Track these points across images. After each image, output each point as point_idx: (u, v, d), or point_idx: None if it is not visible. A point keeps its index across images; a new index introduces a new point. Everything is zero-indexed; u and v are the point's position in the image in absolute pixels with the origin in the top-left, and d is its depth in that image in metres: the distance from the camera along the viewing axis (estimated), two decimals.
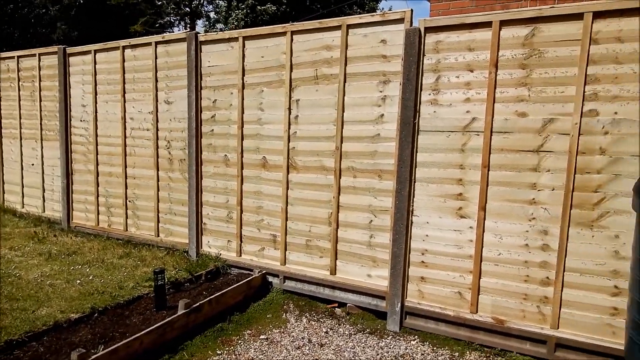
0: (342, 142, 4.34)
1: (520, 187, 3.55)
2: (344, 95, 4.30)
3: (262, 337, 3.94)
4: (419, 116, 3.91)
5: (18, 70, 7.34)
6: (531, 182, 3.51)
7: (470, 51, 3.69)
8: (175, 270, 5.02)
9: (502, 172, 3.61)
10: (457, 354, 3.66)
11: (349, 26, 4.24)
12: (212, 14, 18.75)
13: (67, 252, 5.70)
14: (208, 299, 4.13)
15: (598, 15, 3.23)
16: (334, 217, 4.42)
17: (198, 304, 4.00)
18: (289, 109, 4.63)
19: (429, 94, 3.87)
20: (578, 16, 3.30)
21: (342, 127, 4.32)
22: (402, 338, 3.92)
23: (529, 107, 3.50)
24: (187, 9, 20.83)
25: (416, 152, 3.94)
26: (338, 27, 4.29)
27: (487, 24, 3.61)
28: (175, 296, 4.41)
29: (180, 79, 5.45)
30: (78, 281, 4.73)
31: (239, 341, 3.86)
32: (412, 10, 3.95)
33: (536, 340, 3.53)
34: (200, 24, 23.00)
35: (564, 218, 3.40)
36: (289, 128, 4.65)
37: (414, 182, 3.96)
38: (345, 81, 4.29)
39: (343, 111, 4.31)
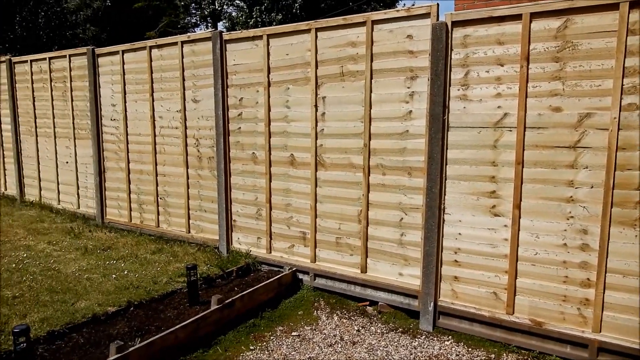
0: (370, 139, 4.31)
1: (557, 184, 3.46)
2: (370, 91, 4.26)
3: (294, 333, 3.99)
4: (448, 112, 3.85)
5: (50, 72, 7.54)
6: (568, 179, 3.42)
7: (500, 45, 3.59)
8: (206, 266, 5.11)
9: (537, 169, 3.52)
10: (493, 355, 3.62)
11: (374, 22, 4.18)
12: (234, 14, 18.87)
13: (102, 247, 5.88)
14: (240, 295, 4.20)
15: (634, 4, 3.10)
16: (363, 215, 4.42)
17: (230, 299, 4.07)
18: (316, 106, 4.62)
19: (458, 90, 3.80)
20: (613, 6, 3.17)
21: (370, 124, 4.29)
22: (435, 338, 3.91)
23: (564, 102, 3.39)
24: (209, 9, 20.96)
25: (446, 148, 3.88)
26: (363, 24, 4.24)
27: (516, 17, 3.51)
28: (207, 292, 4.50)
29: (207, 77, 5.50)
30: (114, 275, 4.87)
31: (271, 337, 3.92)
32: (438, 5, 3.89)
33: (577, 344, 3.45)
34: (220, 25, 23.08)
35: (604, 217, 3.30)
36: (316, 125, 4.64)
37: (445, 179, 3.91)
38: (371, 78, 4.25)
39: (370, 108, 4.28)
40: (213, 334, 3.84)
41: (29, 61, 7.93)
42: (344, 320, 4.22)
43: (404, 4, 22.40)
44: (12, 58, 8.39)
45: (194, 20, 24.76)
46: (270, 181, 5.09)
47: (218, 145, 5.44)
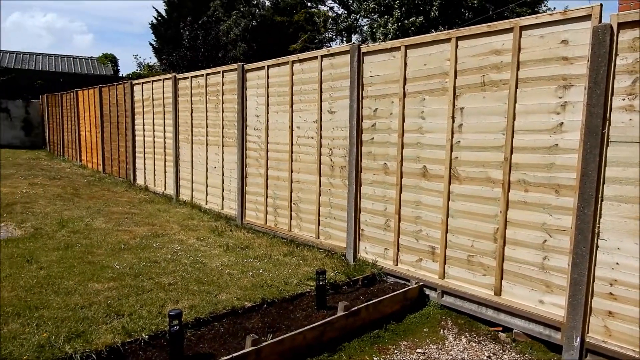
0: (512, 153, 4.02)
1: None
2: (515, 102, 3.98)
3: (418, 350, 3.88)
4: (609, 125, 3.42)
5: (206, 86, 8.50)
6: None
7: None
8: (333, 273, 5.24)
9: None
10: None
11: (522, 28, 3.91)
12: (365, 27, 19.39)
13: (241, 246, 6.40)
14: (366, 304, 4.21)
15: None
16: (500, 233, 4.13)
17: (356, 307, 4.10)
18: (453, 117, 4.47)
19: (623, 99, 3.35)
20: None
21: (513, 137, 4.01)
22: None
23: None
24: (345, 23, 21.82)
25: (604, 165, 3.44)
26: (509, 30, 3.99)
27: None
28: (334, 297, 4.61)
29: (343, 89, 5.68)
30: (250, 273, 5.25)
31: (395, 351, 3.86)
32: (601, 5, 3.49)
33: None
34: (354, 39, 23.85)
35: None
36: (452, 137, 4.48)
37: (601, 200, 3.47)
38: (516, 87, 3.97)
39: (514, 119, 4.00)
40: (338, 339, 3.91)
41: (189, 77, 9.05)
42: (473, 344, 3.97)
43: (554, 7, 20.66)
44: (176, 75, 9.65)
45: (329, 35, 25.91)
46: (400, 192, 5.04)
47: (350, 155, 5.57)
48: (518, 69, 3.95)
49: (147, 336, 3.62)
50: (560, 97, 3.71)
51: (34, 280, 4.72)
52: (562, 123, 3.70)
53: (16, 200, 9.00)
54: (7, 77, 22.91)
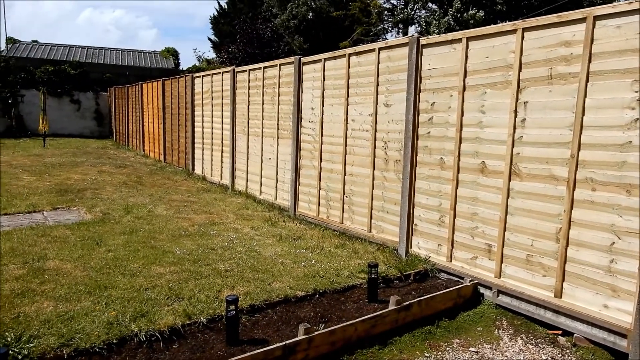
0: (579, 150, 3.83)
1: None
2: (585, 96, 3.78)
3: (471, 349, 3.80)
4: None
5: (263, 79, 8.67)
6: None
7: None
8: (385, 267, 5.22)
9: None
10: None
11: (596, 18, 3.70)
12: (423, 19, 18.91)
13: (293, 236, 6.51)
14: (418, 299, 4.18)
15: None
16: (563, 234, 3.95)
17: (408, 302, 4.08)
18: (515, 111, 4.30)
19: None
20: None
21: (581, 133, 3.81)
22: None
23: None
24: (402, 14, 21.41)
25: None
26: (581, 20, 3.78)
27: None
28: (385, 291, 4.60)
29: (400, 82, 5.61)
30: (303, 263, 5.34)
31: (447, 348, 3.81)
32: None
33: None
34: (412, 31, 23.38)
35: None
36: (514, 132, 4.32)
37: None
38: (587, 80, 3.76)
39: (583, 115, 3.80)
40: (388, 333, 3.91)
41: (247, 70, 9.26)
42: (530, 347, 3.85)
43: None
44: (235, 68, 9.91)
45: (385, 27, 25.56)
46: (456, 188, 4.93)
47: (405, 148, 5.51)
48: (590, 61, 3.74)
49: (205, 319, 3.79)
50: (636, 92, 3.48)
51: (103, 262, 5.06)
52: (637, 119, 3.47)
53: (87, 187, 9.64)
54: (80, 71, 24.44)
